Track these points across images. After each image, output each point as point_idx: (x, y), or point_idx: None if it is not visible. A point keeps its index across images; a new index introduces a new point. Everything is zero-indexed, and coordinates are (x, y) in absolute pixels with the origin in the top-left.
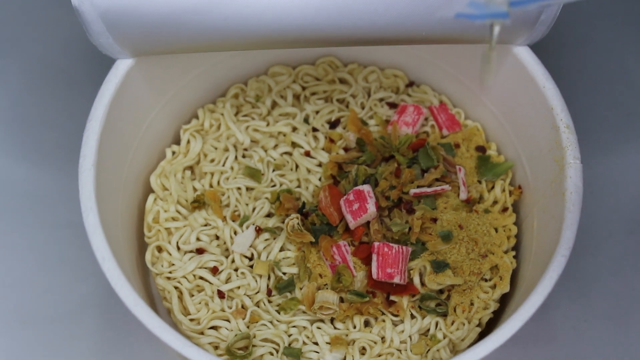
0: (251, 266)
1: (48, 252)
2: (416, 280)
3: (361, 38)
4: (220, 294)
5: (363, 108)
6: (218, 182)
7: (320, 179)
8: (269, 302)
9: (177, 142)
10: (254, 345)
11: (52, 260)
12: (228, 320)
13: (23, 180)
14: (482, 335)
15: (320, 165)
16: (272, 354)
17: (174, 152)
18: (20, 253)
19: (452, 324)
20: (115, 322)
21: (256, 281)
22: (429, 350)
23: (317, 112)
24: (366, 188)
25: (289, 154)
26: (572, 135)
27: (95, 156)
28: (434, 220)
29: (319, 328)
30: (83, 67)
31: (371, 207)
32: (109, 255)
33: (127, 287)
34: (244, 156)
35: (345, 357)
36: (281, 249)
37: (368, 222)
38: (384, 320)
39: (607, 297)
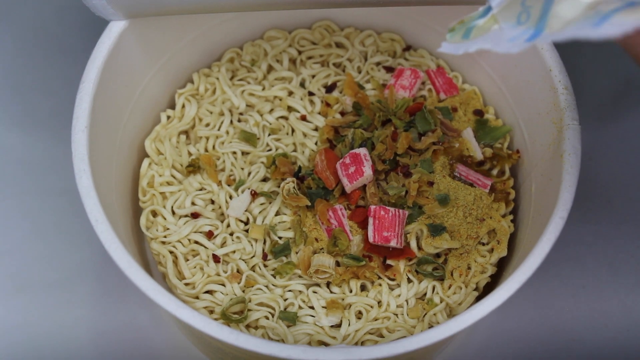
0: (247, 230)
1: (43, 219)
2: (413, 244)
3: None
4: (216, 258)
5: (360, 72)
6: (213, 147)
7: (316, 143)
8: (265, 266)
9: (172, 106)
10: (249, 310)
11: (47, 228)
12: (223, 285)
13: (17, 148)
14: (479, 300)
15: (316, 129)
16: (267, 318)
17: (168, 117)
18: (15, 220)
19: (449, 288)
20: (111, 288)
21: (252, 245)
22: (425, 314)
23: (313, 76)
24: (362, 151)
25: (285, 118)
26: (570, 96)
27: (88, 118)
28: (431, 183)
29: (314, 292)
30: (77, 34)
31: (367, 170)
32: (103, 218)
33: (121, 249)
34: (239, 120)
35: (341, 321)
36: (277, 213)
37: (364, 186)
38: (380, 284)
39: (606, 263)
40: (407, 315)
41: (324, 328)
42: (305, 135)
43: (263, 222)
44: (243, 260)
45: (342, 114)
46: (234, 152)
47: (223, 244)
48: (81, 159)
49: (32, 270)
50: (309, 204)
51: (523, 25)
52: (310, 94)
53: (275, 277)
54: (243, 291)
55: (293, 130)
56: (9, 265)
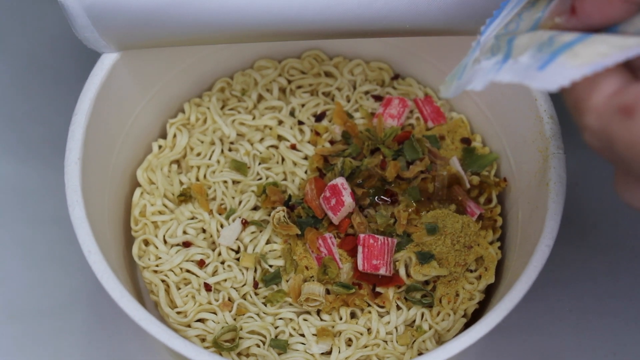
0: (238, 259)
1: (36, 247)
2: (402, 272)
3: (347, 30)
4: (207, 287)
5: (349, 101)
6: (204, 176)
7: (306, 172)
8: (256, 294)
9: (164, 136)
10: (240, 338)
11: (40, 256)
12: (215, 313)
13: (10, 176)
14: (467, 326)
15: (306, 158)
16: (258, 346)
17: (160, 146)
18: (7, 248)
19: (438, 314)
20: (103, 316)
21: (243, 274)
22: (414, 341)
23: (302, 106)
24: (339, 181)
25: (275, 147)
26: (555, 125)
27: (81, 150)
28: (418, 211)
29: (305, 320)
30: (69, 63)
31: (347, 199)
32: (95, 249)
33: (114, 280)
34: (230, 150)
35: (331, 348)
36: (267, 242)
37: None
38: (370, 312)
39: (592, 288)
40: (397, 342)
41: (314, 355)
42: (295, 164)
43: (254, 250)
44: (234, 288)
45: (332, 142)
46: (225, 181)
47: (214, 273)
48: (74, 190)
49: (25, 298)
50: (299, 232)
51: (496, 57)
52: (300, 123)
53: (266, 305)
54: (234, 319)
55: (283, 159)
56: (2, 294)
